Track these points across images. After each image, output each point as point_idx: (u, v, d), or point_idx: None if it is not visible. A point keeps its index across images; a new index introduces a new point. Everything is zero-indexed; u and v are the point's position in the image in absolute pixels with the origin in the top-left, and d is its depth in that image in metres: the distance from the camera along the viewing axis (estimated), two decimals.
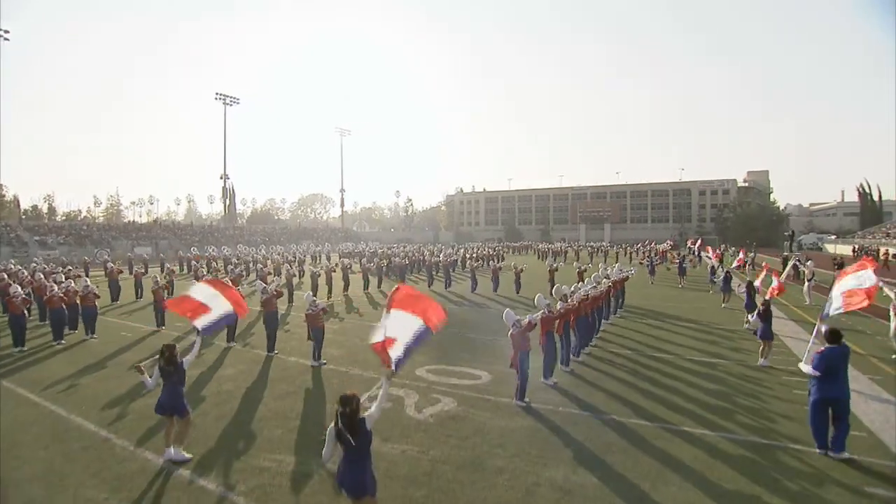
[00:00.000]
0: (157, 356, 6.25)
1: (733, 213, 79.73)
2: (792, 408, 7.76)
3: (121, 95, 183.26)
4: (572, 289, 11.37)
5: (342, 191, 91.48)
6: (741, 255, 31.43)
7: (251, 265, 30.54)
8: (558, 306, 9.86)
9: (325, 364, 10.48)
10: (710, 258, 27.69)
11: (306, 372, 10.09)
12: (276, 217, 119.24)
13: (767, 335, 10.22)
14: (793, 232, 39.98)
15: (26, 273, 17.27)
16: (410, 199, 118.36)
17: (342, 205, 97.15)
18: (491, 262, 39.27)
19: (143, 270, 20.74)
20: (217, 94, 67.09)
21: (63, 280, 14.29)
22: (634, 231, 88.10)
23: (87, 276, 28.38)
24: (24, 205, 71.37)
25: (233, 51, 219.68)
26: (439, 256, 28.71)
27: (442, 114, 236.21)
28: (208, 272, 28.19)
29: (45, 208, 75.95)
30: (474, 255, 38.89)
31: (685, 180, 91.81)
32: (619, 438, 6.80)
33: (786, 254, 30.47)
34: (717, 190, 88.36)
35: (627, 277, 17.13)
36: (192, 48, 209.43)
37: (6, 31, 44.83)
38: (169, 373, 6.11)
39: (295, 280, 20.36)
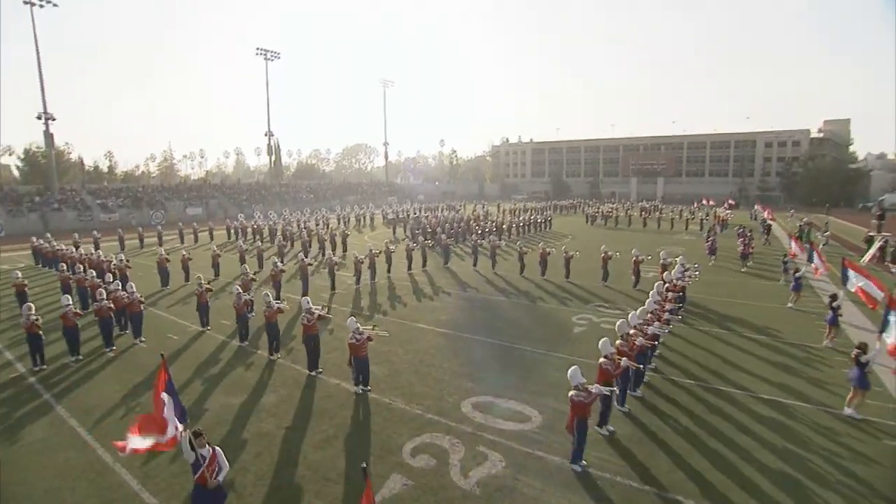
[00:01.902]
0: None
1: (803, 168, 72.98)
2: None
3: (171, 52, 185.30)
4: (638, 312, 10.48)
5: (385, 144, 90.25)
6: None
7: (296, 237, 30.80)
8: (618, 343, 9.03)
9: (369, 391, 10.12)
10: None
11: (348, 403, 9.74)
12: (321, 170, 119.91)
13: (864, 384, 8.85)
14: (883, 212, 34.69)
15: (81, 268, 17.86)
16: (455, 151, 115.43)
17: (386, 157, 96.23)
18: (539, 228, 38.35)
19: (189, 255, 21.07)
20: (258, 49, 65.90)
21: (111, 281, 14.49)
22: (690, 185, 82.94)
23: (142, 245, 29.85)
24: (87, 163, 74.44)
25: (274, 3, 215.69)
26: (485, 237, 27.91)
27: (487, 60, 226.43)
28: (255, 240, 28.64)
29: (105, 167, 79.06)
30: (520, 223, 37.71)
31: (750, 131, 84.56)
32: None
33: (871, 233, 27.09)
34: (785, 141, 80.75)
35: (689, 283, 15.86)
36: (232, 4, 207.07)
37: None
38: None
39: (336, 267, 20.09)
